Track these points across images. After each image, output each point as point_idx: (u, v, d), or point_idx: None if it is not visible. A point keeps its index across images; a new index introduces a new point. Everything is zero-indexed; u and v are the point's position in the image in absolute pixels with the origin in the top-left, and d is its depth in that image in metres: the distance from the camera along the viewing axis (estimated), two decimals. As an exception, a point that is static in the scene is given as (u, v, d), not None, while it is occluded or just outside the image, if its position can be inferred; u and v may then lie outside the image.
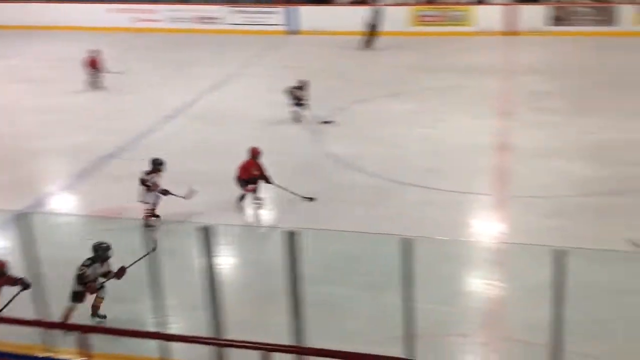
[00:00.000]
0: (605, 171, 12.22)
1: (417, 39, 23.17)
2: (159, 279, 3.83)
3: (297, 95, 15.15)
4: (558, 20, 23.69)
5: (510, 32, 23.58)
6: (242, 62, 21.49)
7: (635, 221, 10.36)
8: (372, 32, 22.50)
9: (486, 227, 10.78)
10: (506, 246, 9.91)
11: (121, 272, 8.02)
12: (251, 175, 10.88)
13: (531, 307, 7.75)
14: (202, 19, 26.05)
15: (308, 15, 25.14)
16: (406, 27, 24.14)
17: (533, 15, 23.65)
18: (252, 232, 11.02)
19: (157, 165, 10.59)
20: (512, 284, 8.87)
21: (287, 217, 10.90)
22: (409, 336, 5.02)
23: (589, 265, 8.58)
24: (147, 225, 10.40)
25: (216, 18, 26.01)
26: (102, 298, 8.14)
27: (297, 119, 15.18)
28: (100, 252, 7.96)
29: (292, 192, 11.11)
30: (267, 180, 10.97)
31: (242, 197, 11.04)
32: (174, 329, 7.69)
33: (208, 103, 17.43)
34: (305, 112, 15.14)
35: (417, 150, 13.73)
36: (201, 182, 11.48)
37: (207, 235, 3.50)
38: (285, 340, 3.64)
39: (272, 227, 10.82)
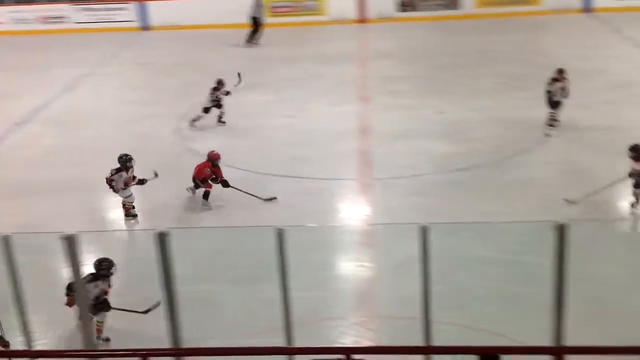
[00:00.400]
0: (458, 148, 12.87)
1: (273, 30, 23.28)
2: (21, 294, 3.65)
3: (217, 96, 14.43)
4: (406, 6, 24.59)
5: (362, 20, 24.24)
6: (95, 62, 20.70)
7: (488, 192, 11.02)
8: (255, 26, 22.24)
9: (354, 211, 11.07)
10: (374, 227, 10.25)
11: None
12: (205, 176, 10.88)
13: (401, 283, 8.08)
14: (47, 19, 24.84)
15: (159, 10, 24.59)
16: (261, 19, 24.23)
17: (383, 3, 24.39)
18: (122, 236, 10.72)
19: (123, 163, 10.40)
20: (382, 263, 9.20)
21: (158, 218, 10.68)
22: (288, 325, 5.10)
23: (450, 238, 9.06)
24: (129, 216, 10.64)
25: (62, 17, 24.87)
26: (102, 322, 7.70)
27: (195, 121, 14.45)
28: (104, 271, 7.59)
29: (252, 195, 10.86)
30: (225, 184, 10.89)
31: (205, 195, 10.96)
32: (42, 345, 7.36)
33: (61, 106, 16.68)
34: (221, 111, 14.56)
35: (281, 140, 13.84)
36: (59, 189, 11.02)
37: (71, 245, 3.37)
38: (165, 342, 3.58)
39: (143, 230, 10.57)
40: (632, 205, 10.19)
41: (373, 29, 23.49)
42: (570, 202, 10.21)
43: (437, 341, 5.12)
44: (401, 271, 8.33)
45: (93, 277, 7.55)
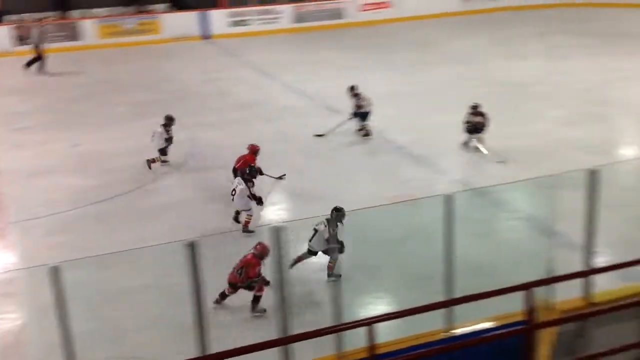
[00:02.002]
0: (95, 180, 12.63)
1: None
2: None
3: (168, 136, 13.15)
4: (22, 40, 23.38)
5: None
6: None
7: (127, 221, 11.02)
8: (37, 54, 20.24)
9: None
10: (13, 275, 9.56)
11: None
12: (247, 166, 11.19)
13: (48, 328, 7.68)
14: None
15: None
16: None
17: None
18: None
19: (254, 173, 10.92)
20: (26, 311, 8.65)
21: None
22: None
23: (97, 272, 8.90)
24: (246, 231, 10.39)
25: None
26: (336, 260, 8.70)
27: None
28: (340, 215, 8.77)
29: (273, 177, 11.98)
30: (261, 172, 11.43)
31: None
32: None
33: None
34: None
35: None
36: None
37: None
38: None
39: None
40: (464, 144, 13.46)
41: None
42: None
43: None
44: (47, 315, 7.92)
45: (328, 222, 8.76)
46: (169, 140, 13.14)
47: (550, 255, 7.26)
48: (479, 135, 13.32)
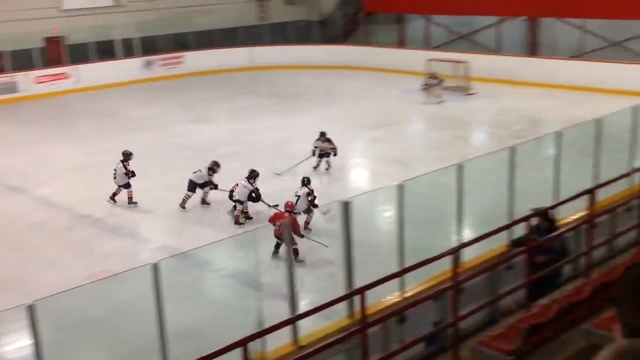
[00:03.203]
0: None
1: None
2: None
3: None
4: None
5: None
6: None
7: None
8: None
9: None
10: None
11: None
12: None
13: None
14: None
15: None
16: None
17: None
18: None
19: (255, 177, 12.93)
20: None
21: None
22: None
23: None
24: (238, 223, 12.61)
25: None
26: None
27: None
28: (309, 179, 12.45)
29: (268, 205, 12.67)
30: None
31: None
32: None
33: None
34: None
35: None
36: None
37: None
38: None
39: None
40: (315, 167, 15.61)
41: None
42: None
43: None
44: None
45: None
46: (128, 173, 13.74)
47: (259, 307, 7.50)
48: (327, 159, 15.57)
